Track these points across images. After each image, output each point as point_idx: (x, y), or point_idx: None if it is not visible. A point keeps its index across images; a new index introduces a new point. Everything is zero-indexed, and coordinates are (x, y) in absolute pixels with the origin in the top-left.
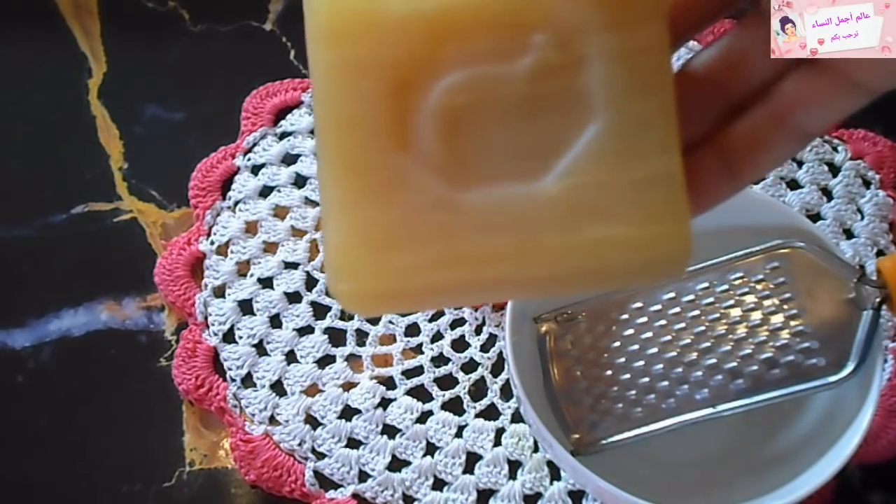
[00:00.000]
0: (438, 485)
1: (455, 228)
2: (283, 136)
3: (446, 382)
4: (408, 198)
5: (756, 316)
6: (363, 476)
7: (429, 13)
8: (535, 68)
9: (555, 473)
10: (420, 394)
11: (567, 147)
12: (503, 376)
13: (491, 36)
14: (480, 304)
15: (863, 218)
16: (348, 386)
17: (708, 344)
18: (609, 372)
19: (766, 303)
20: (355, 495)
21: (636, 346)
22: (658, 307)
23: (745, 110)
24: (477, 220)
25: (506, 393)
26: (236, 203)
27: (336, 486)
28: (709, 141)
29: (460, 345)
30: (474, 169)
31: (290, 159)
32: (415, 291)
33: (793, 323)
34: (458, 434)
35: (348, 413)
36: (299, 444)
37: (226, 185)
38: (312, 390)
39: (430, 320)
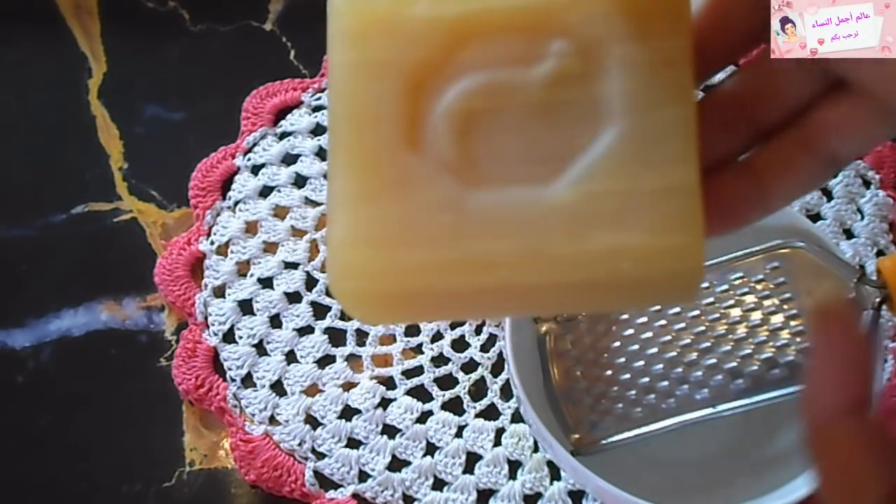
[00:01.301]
0: (438, 485)
1: (461, 229)
2: (283, 136)
3: (446, 382)
4: (415, 196)
5: (756, 316)
6: (363, 476)
7: (450, 17)
8: (553, 75)
9: (555, 473)
10: (420, 394)
11: (581, 153)
12: (503, 376)
13: (510, 41)
14: (486, 317)
15: (863, 218)
16: (348, 386)
17: (708, 344)
18: (609, 372)
19: (766, 303)
20: (355, 495)
21: (636, 346)
22: (658, 307)
23: (777, 133)
24: (484, 222)
25: (506, 393)
26: (236, 203)
27: (336, 486)
28: (741, 163)
29: (460, 345)
30: (485, 171)
31: (290, 159)
32: (417, 294)
33: (793, 323)
34: (458, 434)
35: (348, 413)
36: (299, 444)
37: (226, 185)
38: (312, 390)
39: None
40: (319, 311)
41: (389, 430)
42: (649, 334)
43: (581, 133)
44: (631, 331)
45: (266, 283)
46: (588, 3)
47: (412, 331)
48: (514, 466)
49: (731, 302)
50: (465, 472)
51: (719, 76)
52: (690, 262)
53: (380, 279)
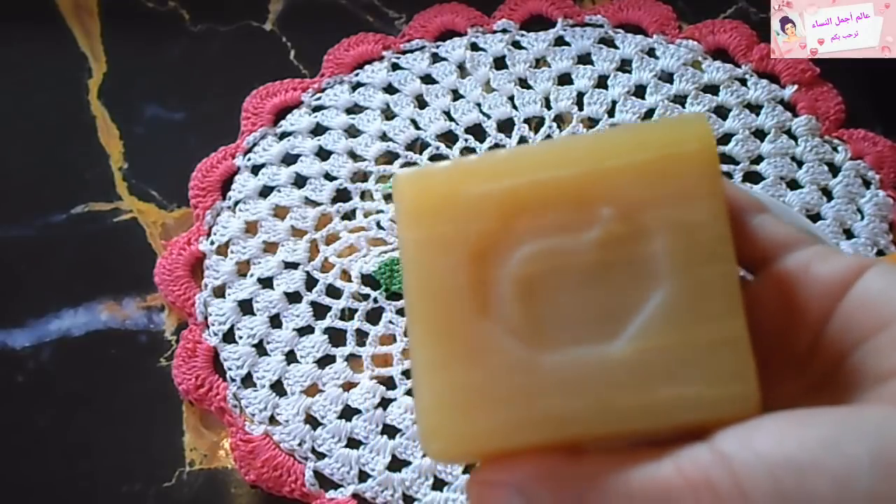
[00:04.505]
0: (438, 485)
1: (534, 390)
2: (283, 136)
3: None
4: (490, 361)
5: None
6: (363, 476)
7: (501, 192)
8: (601, 239)
9: None
10: None
11: (636, 311)
12: None
13: (559, 210)
14: None
15: (863, 218)
16: (348, 386)
17: None
18: None
19: None
20: (355, 495)
21: None
22: None
23: None
24: (554, 381)
25: None
26: (236, 203)
27: (336, 486)
28: None
29: None
30: (550, 333)
31: (290, 159)
32: (496, 451)
33: None
34: None
35: (348, 413)
36: (299, 444)
37: (226, 185)
38: (312, 390)
39: None
40: (319, 311)
41: (389, 430)
42: None
43: (634, 292)
44: None
45: (266, 283)
46: (624, 172)
47: None
48: None
49: None
50: (464, 471)
51: None
52: (747, 407)
53: (463, 441)
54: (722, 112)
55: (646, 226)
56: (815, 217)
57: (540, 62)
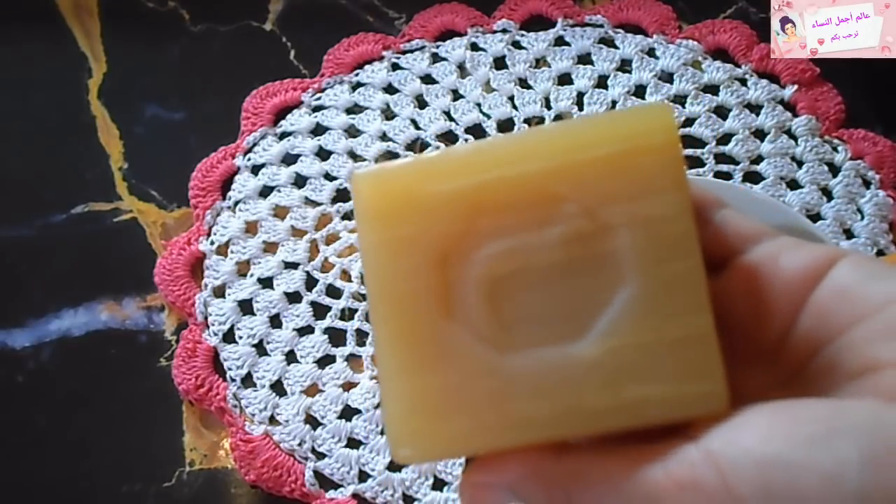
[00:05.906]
0: (438, 485)
1: (502, 394)
2: (283, 136)
3: None
4: (457, 365)
5: None
6: (363, 476)
7: (464, 191)
8: (566, 236)
9: None
10: None
11: (603, 309)
12: None
13: (523, 208)
14: None
15: (863, 218)
16: (348, 386)
17: None
18: None
19: None
20: (355, 495)
21: None
22: None
23: None
24: (522, 384)
25: None
26: (236, 203)
27: (336, 486)
28: None
29: None
30: (516, 333)
31: (290, 159)
32: (465, 454)
33: None
34: None
35: (348, 413)
36: (299, 444)
37: (226, 185)
38: (312, 390)
39: None
40: (319, 311)
41: None
42: None
43: (600, 289)
44: None
45: (266, 283)
46: (587, 167)
47: None
48: None
49: None
50: (465, 471)
51: None
52: (715, 405)
53: (432, 446)
54: (722, 112)
55: (610, 221)
56: (815, 217)
57: (540, 62)
